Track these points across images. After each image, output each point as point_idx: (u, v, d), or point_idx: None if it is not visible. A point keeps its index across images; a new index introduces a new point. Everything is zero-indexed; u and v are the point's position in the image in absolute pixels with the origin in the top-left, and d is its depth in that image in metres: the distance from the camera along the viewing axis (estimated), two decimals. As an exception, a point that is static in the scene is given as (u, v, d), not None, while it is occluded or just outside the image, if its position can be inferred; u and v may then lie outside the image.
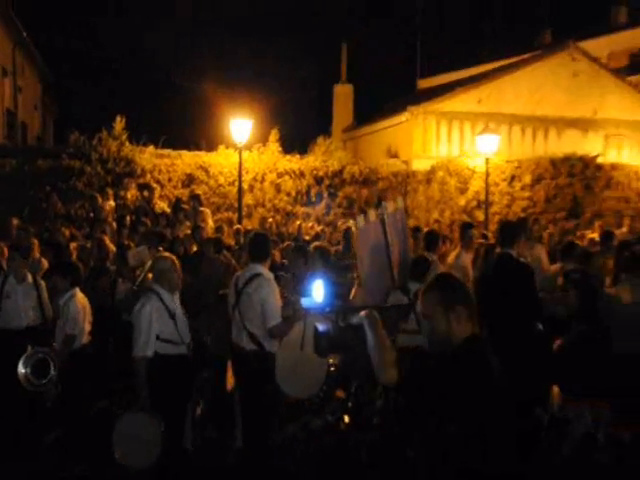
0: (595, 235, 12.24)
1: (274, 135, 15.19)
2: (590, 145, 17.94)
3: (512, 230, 6.05)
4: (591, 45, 20.57)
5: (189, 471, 4.86)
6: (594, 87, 18.80)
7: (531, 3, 34.12)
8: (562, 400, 3.98)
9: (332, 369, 3.73)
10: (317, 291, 3.34)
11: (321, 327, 3.62)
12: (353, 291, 6.59)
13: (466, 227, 8.18)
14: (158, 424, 4.38)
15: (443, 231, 12.00)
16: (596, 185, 16.60)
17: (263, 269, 5.07)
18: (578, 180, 16.46)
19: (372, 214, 6.33)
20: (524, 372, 5.04)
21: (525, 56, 20.78)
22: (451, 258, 7.72)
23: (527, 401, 4.39)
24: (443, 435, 2.56)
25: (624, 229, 13.42)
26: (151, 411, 4.46)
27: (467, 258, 7.54)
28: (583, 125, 18.47)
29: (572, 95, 18.42)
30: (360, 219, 6.37)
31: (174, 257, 5.14)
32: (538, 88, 18.17)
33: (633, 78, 21.83)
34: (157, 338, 4.69)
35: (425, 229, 9.95)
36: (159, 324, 4.72)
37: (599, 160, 17.03)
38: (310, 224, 11.79)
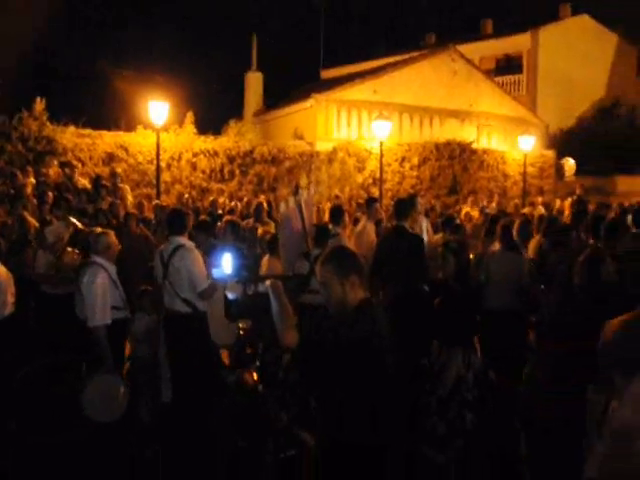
0: (469, 209, 12.78)
1: (190, 117, 14.67)
2: (466, 133, 18.63)
3: (404, 206, 6.14)
4: (467, 49, 21.24)
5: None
6: (470, 84, 19.47)
7: (417, 9, 34.83)
8: (439, 349, 4.11)
9: (242, 332, 3.70)
10: (226, 263, 3.26)
11: (230, 295, 3.55)
12: (264, 260, 6.50)
13: (371, 201, 8.23)
14: (122, 383, 4.45)
15: (344, 205, 12.10)
16: (471, 167, 17.31)
17: (184, 240, 5.04)
18: (457, 162, 17.10)
19: (291, 200, 6.39)
20: (413, 327, 5.22)
21: (414, 54, 21.14)
22: (358, 228, 7.78)
23: (415, 352, 4.51)
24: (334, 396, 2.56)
25: (493, 204, 14.07)
26: (114, 372, 4.50)
27: (371, 228, 7.60)
28: (461, 116, 19.11)
29: (452, 90, 18.99)
30: (283, 205, 6.39)
31: (112, 232, 5.07)
32: (424, 82, 18.54)
33: (499, 78, 22.89)
34: None
35: (329, 204, 10.01)
36: (109, 293, 4.70)
37: (474, 146, 17.74)
38: (223, 199, 11.53)
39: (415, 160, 16.43)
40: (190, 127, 14.57)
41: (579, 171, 20.55)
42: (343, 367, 2.56)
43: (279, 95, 21.54)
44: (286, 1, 32.50)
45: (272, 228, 8.26)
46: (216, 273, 3.35)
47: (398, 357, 3.95)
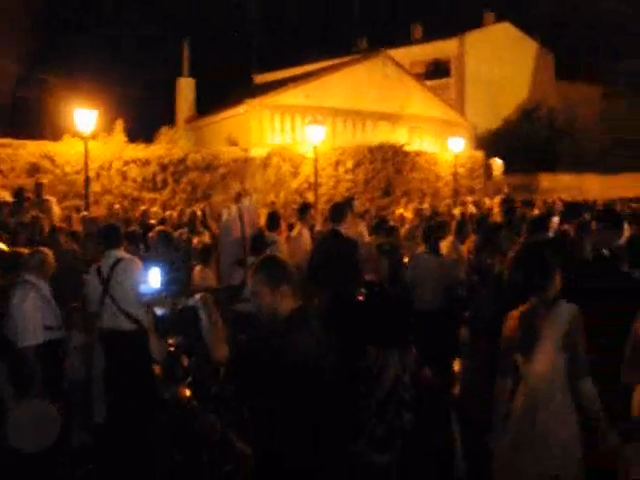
0: (403, 211, 13.01)
1: (119, 125, 14.24)
2: (398, 135, 19.01)
3: (340, 210, 6.14)
4: (397, 54, 21.76)
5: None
6: (401, 88, 19.88)
7: (349, 14, 35.32)
8: (376, 351, 4.14)
9: (172, 349, 3.62)
10: (153, 277, 3.17)
11: (159, 311, 3.47)
12: (196, 271, 6.38)
13: (305, 207, 8.17)
14: (52, 408, 4.17)
15: (279, 210, 12.04)
16: (404, 169, 17.65)
17: (122, 253, 4.90)
18: (390, 165, 17.38)
19: (234, 208, 6.36)
20: (349, 330, 5.25)
21: (346, 59, 21.42)
22: (294, 234, 7.73)
23: (352, 355, 4.54)
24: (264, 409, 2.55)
25: (426, 205, 14.38)
26: (45, 395, 4.25)
27: (306, 234, 7.58)
28: (392, 119, 19.49)
29: (383, 94, 19.33)
30: (225, 212, 6.32)
31: (48, 250, 4.85)
32: (356, 86, 18.78)
33: (429, 82, 23.53)
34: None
35: (265, 210, 9.94)
36: (41, 313, 4.48)
37: (406, 148, 18.10)
38: (155, 209, 11.22)
39: (349, 164, 16.59)
40: (120, 135, 14.15)
41: (506, 170, 21.37)
42: (275, 378, 2.54)
43: (212, 101, 21.28)
44: (218, 6, 32.19)
45: (207, 238, 8.13)
46: (143, 288, 3.26)
47: (335, 361, 3.97)
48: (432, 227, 6.65)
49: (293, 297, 2.69)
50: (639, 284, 3.95)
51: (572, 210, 9.40)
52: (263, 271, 2.70)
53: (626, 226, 6.61)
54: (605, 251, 5.23)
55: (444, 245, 7.03)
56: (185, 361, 3.60)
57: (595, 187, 20.61)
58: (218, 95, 21.87)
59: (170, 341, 3.56)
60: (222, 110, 19.49)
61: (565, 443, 2.87)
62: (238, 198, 8.25)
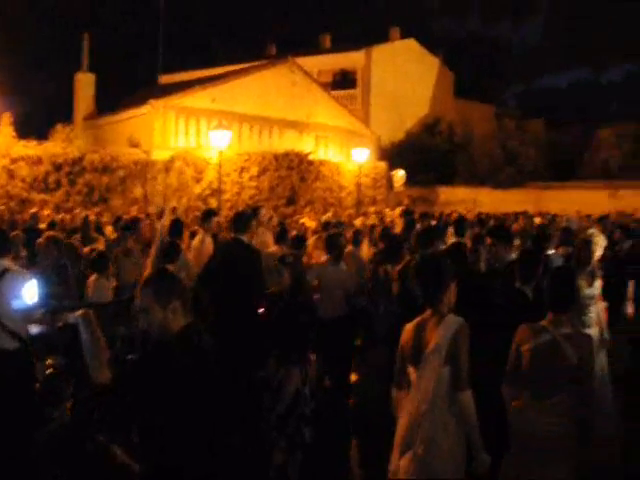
0: (306, 220, 13.13)
1: (6, 119, 13.33)
2: (304, 144, 19.20)
3: (244, 219, 6.05)
4: (306, 62, 21.92)
5: None
6: (308, 96, 20.08)
7: (259, 20, 35.36)
8: (277, 364, 4.14)
9: (50, 370, 3.39)
10: (30, 291, 2.97)
11: (35, 329, 3.25)
12: (90, 281, 6.08)
13: (208, 214, 7.97)
14: None
15: (180, 217, 11.73)
16: (309, 177, 17.84)
17: (9, 263, 4.46)
18: (295, 173, 17.51)
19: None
20: (249, 342, 5.20)
21: (254, 64, 21.34)
22: (196, 242, 7.51)
23: (250, 369, 4.52)
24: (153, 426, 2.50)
25: (329, 214, 14.61)
26: None
27: (209, 242, 7.42)
28: (299, 127, 19.66)
29: (291, 101, 19.45)
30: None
31: None
32: (264, 93, 18.76)
33: (336, 92, 24.00)
34: None
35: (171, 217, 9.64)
36: None
37: (311, 157, 18.31)
38: (47, 212, 10.55)
39: (254, 170, 16.53)
40: (7, 129, 13.24)
41: (408, 182, 22.19)
42: (166, 395, 2.49)
43: (114, 100, 20.44)
44: (125, 3, 31.02)
45: (101, 244, 7.77)
46: (17, 304, 3.04)
47: (233, 374, 3.94)
48: (334, 237, 6.76)
49: (185, 314, 2.60)
50: (528, 301, 4.16)
51: (463, 224, 9.96)
52: (153, 286, 2.59)
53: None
54: (498, 265, 5.59)
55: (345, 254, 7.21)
56: (64, 384, 3.42)
57: (488, 201, 21.88)
58: (121, 94, 21.07)
59: (49, 361, 3.35)
60: (124, 109, 18.76)
61: (447, 454, 2.97)
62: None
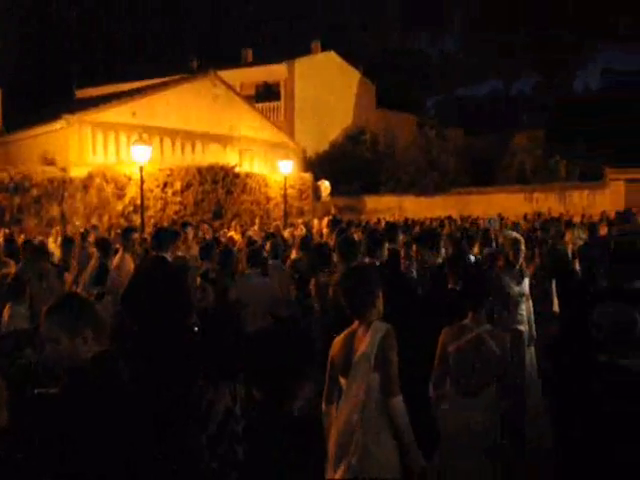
0: (234, 233, 12.94)
1: None
2: (229, 157, 18.98)
3: (167, 236, 5.85)
4: (228, 75, 21.72)
5: None
6: (231, 110, 19.91)
7: (180, 34, 34.87)
8: (206, 383, 3.96)
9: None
10: None
11: None
12: (5, 310, 5.64)
13: (128, 231, 7.66)
14: None
15: (102, 235, 11.25)
16: (235, 190, 17.65)
17: None
18: (220, 186, 17.28)
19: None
20: (174, 363, 4.99)
21: (175, 77, 20.94)
22: (116, 261, 7.19)
23: (177, 391, 4.32)
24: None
25: (256, 227, 14.49)
26: None
27: (129, 260, 7.11)
28: (223, 140, 19.42)
29: (214, 115, 19.19)
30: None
31: None
32: (186, 106, 18.41)
33: (260, 105, 23.95)
34: None
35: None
36: None
37: (237, 170, 18.14)
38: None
39: (178, 185, 16.16)
40: None
41: (334, 192, 22.41)
42: (78, 424, 2.29)
43: (25, 115, 19.43)
44: (34, 10, 29.71)
45: (12, 269, 7.28)
46: None
47: (155, 399, 3.71)
48: (256, 250, 6.65)
49: (96, 341, 2.40)
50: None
51: (393, 230, 10.08)
52: (60, 313, 2.36)
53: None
54: (426, 270, 5.66)
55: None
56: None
57: (413, 207, 22.43)
58: (33, 108, 20.07)
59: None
60: (36, 125, 17.85)
61: (382, 462, 2.91)
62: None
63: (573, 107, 32.61)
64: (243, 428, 3.87)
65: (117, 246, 9.10)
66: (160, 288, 5.48)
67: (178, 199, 16.07)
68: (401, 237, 9.62)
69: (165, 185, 15.96)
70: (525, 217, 16.26)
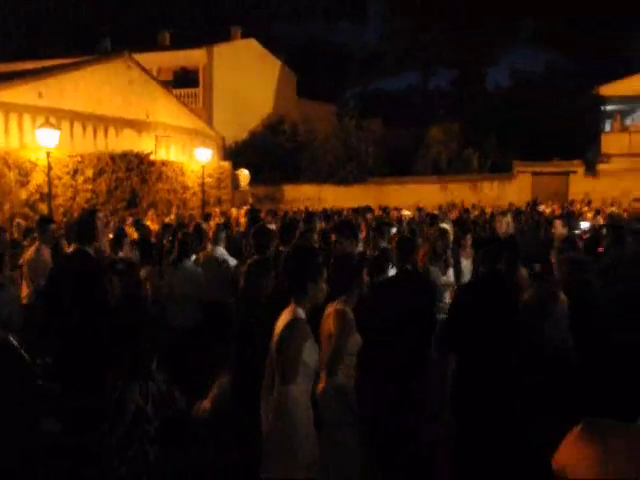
0: (150, 223, 12.57)
1: None
2: (144, 144, 18.33)
3: (85, 226, 5.48)
4: (144, 59, 20.90)
5: None
6: (147, 94, 19.21)
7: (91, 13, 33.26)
8: (114, 382, 3.82)
9: None
10: None
11: None
12: None
13: (44, 222, 7.13)
14: None
15: (3, 225, 10.54)
16: (150, 178, 17.12)
17: None
18: (135, 174, 16.69)
19: None
20: (90, 360, 4.76)
21: (86, 58, 19.90)
22: (31, 253, 6.68)
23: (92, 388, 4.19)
24: None
25: (172, 216, 14.17)
26: None
27: (47, 253, 6.66)
28: (138, 126, 18.72)
29: (128, 99, 18.45)
30: None
31: None
32: (98, 89, 17.56)
33: (177, 91, 23.32)
34: None
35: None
36: None
37: (152, 157, 17.59)
38: None
39: (89, 172, 15.44)
40: None
41: (253, 181, 22.24)
42: None
43: None
44: None
45: None
46: None
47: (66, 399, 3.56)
48: (186, 241, 6.47)
49: None
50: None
51: (310, 219, 10.16)
52: None
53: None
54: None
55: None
56: None
57: (332, 197, 22.68)
58: None
59: None
60: None
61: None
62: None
63: (485, 103, 34.12)
64: (156, 429, 3.77)
65: (20, 239, 8.59)
66: (82, 285, 5.21)
67: (89, 187, 15.36)
68: (319, 225, 9.78)
69: (75, 172, 15.20)
70: (470, 208, 16.77)
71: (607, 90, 23.20)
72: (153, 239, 9.44)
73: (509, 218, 11.35)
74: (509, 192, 22.42)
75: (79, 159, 15.43)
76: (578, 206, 16.69)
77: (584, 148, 24.08)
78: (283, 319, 3.04)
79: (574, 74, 33.99)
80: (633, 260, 4.71)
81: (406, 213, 13.80)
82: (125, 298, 5.45)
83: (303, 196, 22.54)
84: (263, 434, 3.05)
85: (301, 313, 3.03)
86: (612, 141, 23.10)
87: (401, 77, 52.67)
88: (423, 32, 38.28)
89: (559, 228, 6.04)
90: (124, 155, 16.44)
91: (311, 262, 3.12)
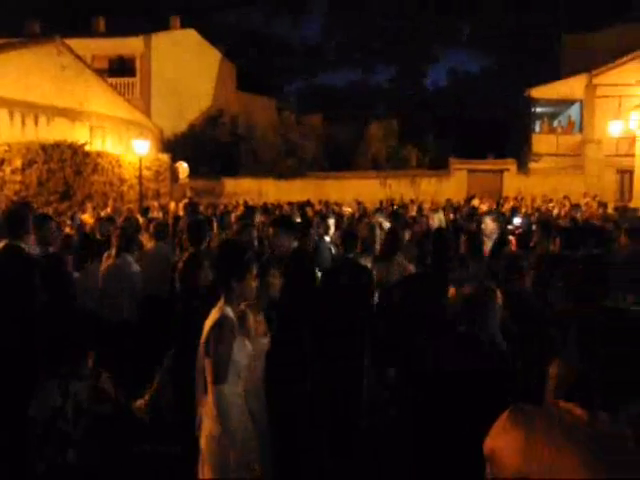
0: (86, 217, 12.19)
1: None
2: (78, 134, 17.66)
3: (17, 219, 5.12)
4: (77, 44, 20.05)
5: None
6: (80, 82, 18.50)
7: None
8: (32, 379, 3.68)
9: None
10: None
11: None
12: None
13: None
14: None
15: None
16: (85, 170, 16.52)
17: None
18: (69, 165, 16.06)
19: None
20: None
21: (11, 40, 18.90)
22: None
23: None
24: None
25: (109, 209, 13.76)
26: None
27: None
28: (71, 115, 18.01)
29: (60, 86, 17.70)
30: None
31: None
32: (26, 74, 16.73)
33: (113, 80, 22.57)
34: None
35: None
36: None
37: (87, 148, 16.97)
38: None
39: (18, 163, 14.71)
40: None
41: (192, 174, 21.87)
42: None
43: None
44: None
45: None
46: None
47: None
48: (124, 235, 6.30)
49: None
50: None
51: (250, 213, 10.12)
52: None
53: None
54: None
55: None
56: None
57: (272, 191, 22.61)
58: None
59: None
60: None
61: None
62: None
63: (424, 101, 34.90)
64: (76, 429, 3.66)
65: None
66: (11, 284, 4.94)
67: (18, 178, 14.63)
68: (258, 219, 9.77)
69: (2, 162, 14.46)
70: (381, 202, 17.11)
71: (537, 93, 24.20)
72: (89, 232, 9.21)
73: (441, 214, 11.94)
74: (446, 188, 23.04)
75: (6, 148, 14.68)
76: (511, 202, 17.39)
77: (517, 147, 25.06)
78: (211, 318, 2.98)
79: (508, 76, 35.34)
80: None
81: (347, 209, 14.00)
82: (51, 295, 5.27)
83: (243, 190, 22.36)
84: (198, 436, 3.01)
85: (229, 311, 2.97)
86: (541, 141, 24.14)
87: (342, 72, 53.15)
88: (363, 28, 38.71)
89: (489, 224, 6.29)
90: (57, 145, 15.76)
91: (237, 259, 3.03)
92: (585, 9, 32.96)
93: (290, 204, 14.55)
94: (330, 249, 7.37)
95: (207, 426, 2.93)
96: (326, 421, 4.30)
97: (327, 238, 8.07)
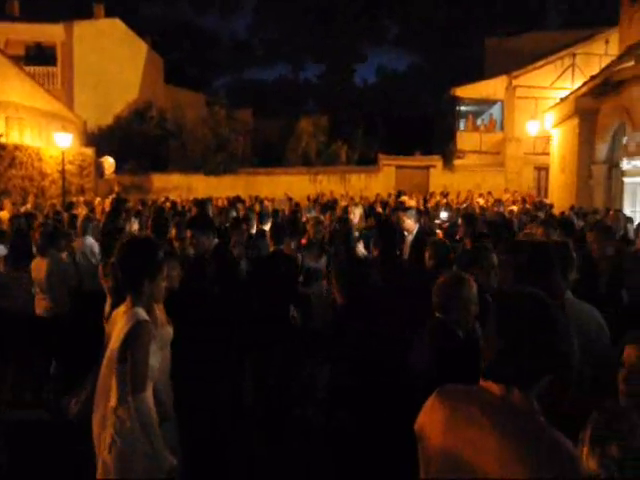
0: (4, 213, 11.60)
1: None
2: (-6, 125, 16.77)
3: None
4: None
5: None
6: (-7, 69, 17.55)
7: None
8: None
9: None
10: None
11: None
12: None
13: None
14: None
15: None
16: (1, 164, 15.69)
17: None
18: (-18, 158, 15.22)
19: None
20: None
21: None
22: None
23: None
24: None
25: (29, 205, 13.18)
26: None
27: None
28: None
29: (-29, 74, 16.73)
30: None
31: None
32: None
33: (31, 68, 21.48)
34: None
35: None
36: None
37: (2, 140, 16.11)
38: None
39: None
40: None
41: (118, 169, 21.19)
42: None
43: None
44: None
45: None
46: None
47: None
48: (48, 231, 6.16)
49: None
50: None
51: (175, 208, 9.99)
52: None
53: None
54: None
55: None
56: None
57: (202, 186, 22.27)
58: None
59: None
60: None
61: (129, 455, 2.70)
62: None
63: (353, 97, 35.35)
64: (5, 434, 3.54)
65: None
66: None
67: None
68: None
69: None
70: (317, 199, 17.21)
71: (461, 92, 25.09)
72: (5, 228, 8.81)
73: (360, 209, 12.74)
74: (375, 184, 23.49)
75: None
76: (437, 198, 17.98)
77: (443, 144, 25.88)
78: (123, 324, 2.74)
79: (433, 75, 36.39)
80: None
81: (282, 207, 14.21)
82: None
83: (172, 186, 21.91)
84: (99, 451, 2.77)
85: (142, 313, 2.75)
86: (466, 139, 25.06)
87: (271, 68, 52.97)
88: (293, 23, 38.76)
89: (407, 221, 6.53)
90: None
91: (149, 257, 2.82)
92: (505, 15, 34.56)
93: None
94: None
95: (118, 439, 2.71)
96: (258, 409, 4.35)
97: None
